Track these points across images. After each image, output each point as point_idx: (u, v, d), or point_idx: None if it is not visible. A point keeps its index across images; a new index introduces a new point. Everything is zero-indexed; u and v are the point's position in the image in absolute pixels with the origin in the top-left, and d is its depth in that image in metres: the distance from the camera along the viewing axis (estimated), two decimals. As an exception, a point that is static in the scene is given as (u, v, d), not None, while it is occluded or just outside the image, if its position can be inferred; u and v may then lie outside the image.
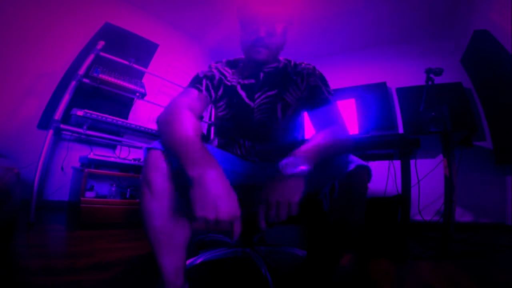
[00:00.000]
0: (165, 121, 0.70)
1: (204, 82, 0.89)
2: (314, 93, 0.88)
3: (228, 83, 0.94)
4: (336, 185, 0.66)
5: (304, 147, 0.64)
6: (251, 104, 0.92)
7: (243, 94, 0.92)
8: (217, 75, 0.93)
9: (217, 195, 0.51)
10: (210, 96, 0.90)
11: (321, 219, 0.68)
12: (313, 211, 0.71)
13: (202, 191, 0.51)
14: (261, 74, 0.93)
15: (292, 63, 0.95)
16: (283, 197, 0.56)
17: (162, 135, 0.67)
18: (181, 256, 0.65)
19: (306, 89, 0.90)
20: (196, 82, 0.89)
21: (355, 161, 0.68)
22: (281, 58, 0.97)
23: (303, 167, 0.58)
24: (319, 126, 0.84)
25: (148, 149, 0.66)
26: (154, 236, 0.63)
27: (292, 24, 0.89)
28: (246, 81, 0.93)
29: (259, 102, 0.91)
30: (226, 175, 0.79)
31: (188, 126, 0.67)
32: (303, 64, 0.94)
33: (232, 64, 0.98)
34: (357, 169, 0.66)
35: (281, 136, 0.94)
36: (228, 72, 0.95)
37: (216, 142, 1.08)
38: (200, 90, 0.87)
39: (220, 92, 0.93)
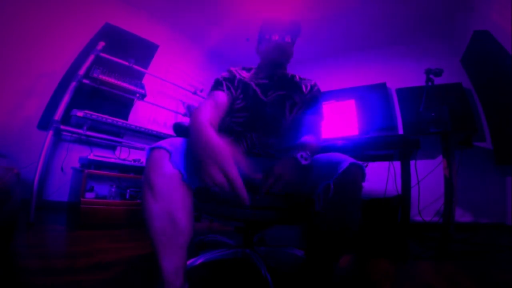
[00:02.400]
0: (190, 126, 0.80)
1: (224, 84, 1.06)
2: (313, 101, 1.11)
3: (244, 80, 1.09)
4: (331, 185, 0.66)
5: (307, 146, 0.85)
6: (264, 99, 1.06)
7: (257, 90, 1.07)
8: (237, 76, 1.10)
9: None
10: (231, 93, 1.06)
11: (317, 219, 0.68)
12: (308, 212, 0.71)
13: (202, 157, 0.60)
14: (274, 77, 1.10)
15: (298, 77, 1.17)
16: (285, 172, 0.73)
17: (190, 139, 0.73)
18: (181, 257, 0.65)
19: (309, 94, 1.11)
20: (218, 85, 1.05)
21: (347, 159, 0.69)
22: (290, 72, 1.18)
23: (309, 160, 0.77)
24: (307, 128, 1.07)
25: (151, 149, 0.66)
26: (155, 237, 0.63)
27: (297, 38, 1.09)
28: (260, 81, 1.10)
29: (271, 98, 1.06)
30: None
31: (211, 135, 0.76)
32: (307, 79, 1.17)
33: (247, 69, 1.17)
34: (350, 168, 0.67)
35: (287, 132, 1.07)
36: (244, 73, 1.13)
37: None
38: (222, 90, 1.03)
39: (235, 84, 1.08)
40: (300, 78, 1.16)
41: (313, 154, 0.83)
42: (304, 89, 1.12)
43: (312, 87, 1.14)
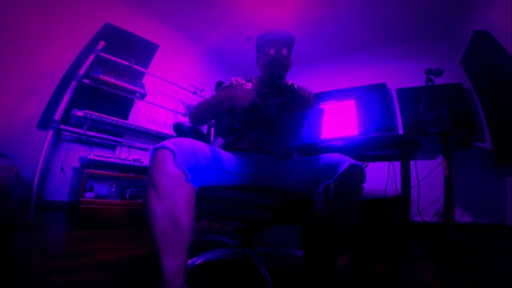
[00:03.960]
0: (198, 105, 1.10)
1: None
2: (312, 103, 1.22)
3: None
4: (331, 186, 0.66)
5: None
6: (264, 107, 1.13)
7: (257, 99, 1.11)
8: (234, 83, 1.18)
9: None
10: None
11: (316, 219, 0.68)
12: (308, 212, 0.71)
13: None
14: (273, 87, 1.17)
15: (296, 86, 1.24)
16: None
17: (199, 111, 1.08)
18: (183, 257, 0.66)
19: (308, 98, 1.22)
20: (216, 89, 1.19)
21: (347, 160, 0.69)
22: (289, 81, 1.24)
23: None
24: (309, 125, 1.09)
25: (155, 149, 0.66)
26: (157, 237, 0.63)
27: (292, 48, 1.18)
28: (260, 91, 1.15)
29: (272, 106, 1.14)
30: (228, 176, 0.86)
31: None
32: (305, 87, 1.26)
33: (247, 80, 1.24)
34: (350, 169, 0.67)
35: (287, 131, 1.11)
36: (243, 82, 1.20)
37: (218, 142, 1.11)
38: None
39: None
40: (298, 87, 1.25)
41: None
42: (302, 95, 1.22)
43: (310, 94, 1.25)
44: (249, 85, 1.06)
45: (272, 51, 1.13)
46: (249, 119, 1.11)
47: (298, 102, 1.19)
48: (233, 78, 1.22)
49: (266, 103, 1.14)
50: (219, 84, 1.28)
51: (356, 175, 0.68)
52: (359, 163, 0.70)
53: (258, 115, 1.11)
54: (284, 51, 1.14)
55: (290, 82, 1.24)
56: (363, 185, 0.71)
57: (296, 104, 1.17)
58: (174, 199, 0.63)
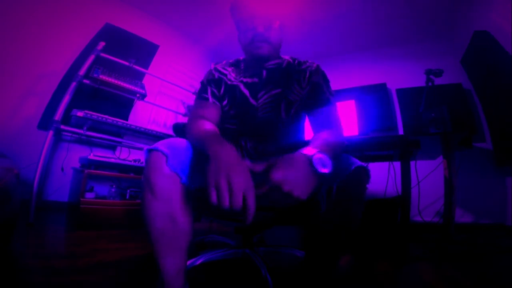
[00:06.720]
0: (187, 130, 0.80)
1: (209, 89, 0.92)
2: (315, 92, 0.88)
3: (229, 82, 0.92)
4: (334, 186, 0.65)
5: (321, 148, 0.62)
6: (255, 103, 0.89)
7: (246, 92, 0.90)
8: (217, 75, 0.94)
9: (230, 163, 0.53)
10: (218, 100, 0.92)
11: (318, 220, 0.68)
12: (310, 212, 0.71)
13: (216, 162, 0.54)
14: (264, 72, 0.90)
15: (296, 61, 0.93)
16: (298, 182, 0.52)
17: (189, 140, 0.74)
18: (182, 258, 0.65)
19: (308, 86, 0.89)
20: (202, 92, 0.92)
21: (354, 163, 0.68)
22: (285, 57, 0.95)
23: (329, 168, 0.56)
24: (318, 126, 0.85)
25: (149, 151, 0.65)
26: (155, 238, 0.63)
27: (286, 22, 0.91)
28: (249, 80, 0.91)
29: (263, 101, 0.89)
30: None
31: (202, 127, 0.78)
32: (307, 63, 0.92)
33: (232, 64, 0.98)
34: (355, 171, 0.66)
35: (284, 137, 0.91)
36: (228, 71, 0.95)
37: None
38: (206, 99, 0.90)
39: (222, 91, 0.92)
40: (299, 63, 0.92)
41: (334, 158, 0.62)
42: (302, 81, 0.89)
43: (311, 74, 0.89)
44: (233, 76, 0.87)
45: (255, 24, 0.83)
46: (239, 126, 0.91)
47: (297, 93, 0.89)
48: (212, 66, 0.98)
49: (255, 97, 0.89)
50: (203, 86, 0.95)
51: (360, 177, 0.67)
52: (364, 164, 0.70)
53: (249, 121, 0.89)
54: (274, 23, 0.85)
55: (286, 59, 0.93)
56: (367, 185, 0.71)
57: (293, 99, 0.88)
58: (170, 199, 0.62)
